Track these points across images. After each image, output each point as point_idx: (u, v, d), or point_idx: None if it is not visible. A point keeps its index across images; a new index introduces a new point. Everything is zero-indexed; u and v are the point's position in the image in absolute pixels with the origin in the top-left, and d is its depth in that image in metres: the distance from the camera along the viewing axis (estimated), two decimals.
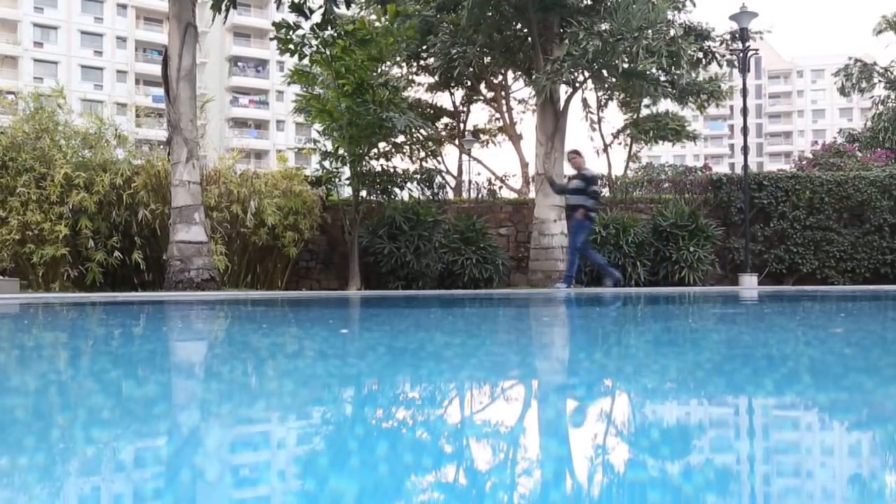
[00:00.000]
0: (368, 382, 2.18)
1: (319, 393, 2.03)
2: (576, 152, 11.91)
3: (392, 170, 15.13)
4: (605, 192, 17.35)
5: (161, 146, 14.38)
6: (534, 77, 14.80)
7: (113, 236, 11.89)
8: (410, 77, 22.35)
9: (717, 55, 17.52)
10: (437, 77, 21.61)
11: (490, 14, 15.04)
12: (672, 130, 23.39)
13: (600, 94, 23.61)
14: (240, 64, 69.77)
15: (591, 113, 25.15)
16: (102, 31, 62.30)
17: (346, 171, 14.63)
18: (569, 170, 14.67)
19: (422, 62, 21.23)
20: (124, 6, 63.61)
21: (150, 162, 12.76)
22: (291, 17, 12.77)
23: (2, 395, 1.98)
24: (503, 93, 24.88)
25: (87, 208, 11.50)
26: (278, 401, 1.88)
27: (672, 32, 14.15)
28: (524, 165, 26.20)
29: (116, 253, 11.77)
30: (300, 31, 12.96)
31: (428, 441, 1.45)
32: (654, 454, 1.35)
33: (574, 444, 1.44)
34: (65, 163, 11.66)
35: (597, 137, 25.64)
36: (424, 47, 17.88)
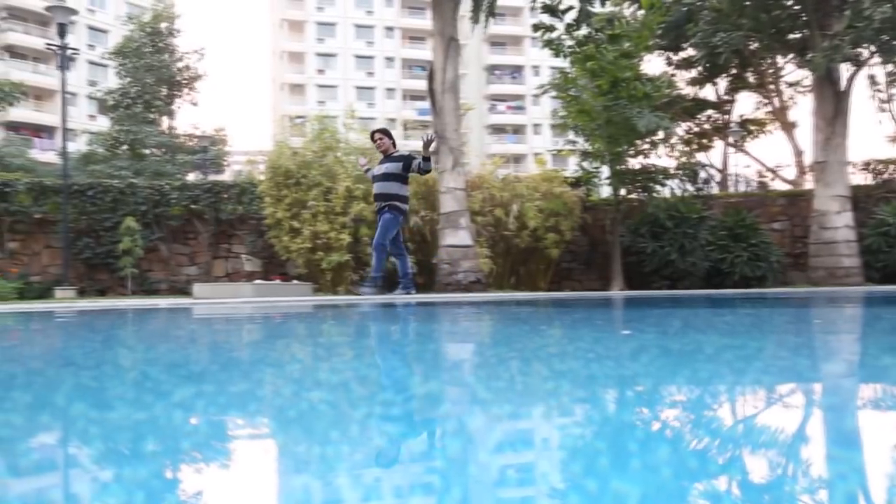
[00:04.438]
0: (676, 386, 2.13)
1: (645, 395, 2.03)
2: (381, 132, 9.55)
3: (653, 167, 14.72)
4: None
5: None
6: (808, 57, 13.61)
7: None
8: (672, 73, 21.57)
9: None
10: (698, 68, 20.66)
11: None
12: None
13: (891, 69, 21.11)
14: (496, 72, 71.93)
15: (880, 91, 22.58)
16: (373, 54, 67.57)
17: (605, 171, 14.48)
18: (850, 156, 13.28)
19: (681, 54, 20.42)
20: (391, 28, 68.42)
21: None
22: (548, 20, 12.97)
23: (317, 388, 2.21)
24: (772, 78, 23.15)
25: (366, 217, 12.47)
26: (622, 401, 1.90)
27: None
28: (798, 154, 24.23)
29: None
30: (556, 32, 13.11)
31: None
32: None
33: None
34: (346, 176, 12.77)
35: (887, 119, 22.99)
36: (683, 38, 17.16)
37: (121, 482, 1.15)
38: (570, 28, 13.00)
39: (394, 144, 9.25)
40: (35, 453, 1.40)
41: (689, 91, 22.96)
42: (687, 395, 1.98)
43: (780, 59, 21.58)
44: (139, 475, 1.18)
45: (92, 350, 3.54)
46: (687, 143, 22.60)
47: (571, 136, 15.22)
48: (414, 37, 69.12)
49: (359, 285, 10.88)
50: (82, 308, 8.60)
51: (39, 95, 50.61)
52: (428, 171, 9.12)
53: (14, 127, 47.08)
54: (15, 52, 50.08)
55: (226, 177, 32.26)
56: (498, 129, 71.07)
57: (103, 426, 1.60)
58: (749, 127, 25.63)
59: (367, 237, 12.49)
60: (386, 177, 9.00)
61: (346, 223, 12.53)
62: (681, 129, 20.99)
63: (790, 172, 24.77)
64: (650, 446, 1.37)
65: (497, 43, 71.14)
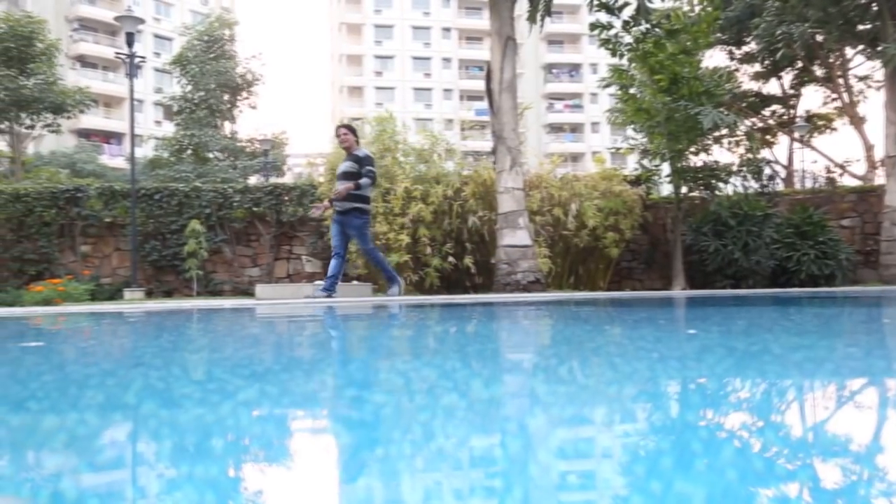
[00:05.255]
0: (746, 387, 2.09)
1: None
2: (347, 128, 9.21)
3: (714, 164, 14.43)
4: None
5: (485, 156, 15.24)
6: (880, 48, 13.15)
7: (446, 243, 12.81)
8: (734, 68, 21.09)
9: None
10: (760, 62, 20.18)
11: None
12: None
13: None
14: (554, 70, 71.49)
15: None
16: (430, 55, 67.89)
17: (666, 168, 14.24)
18: None
19: (744, 49, 19.98)
20: (448, 29, 68.62)
21: (478, 172, 13.54)
22: (606, 17, 12.83)
23: (374, 389, 2.23)
24: (840, 71, 22.45)
25: (424, 218, 12.51)
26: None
27: None
28: (869, 149, 23.45)
29: (450, 258, 12.67)
30: (613, 30, 12.96)
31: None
32: None
33: None
34: (404, 178, 12.84)
35: None
36: (745, 32, 16.78)
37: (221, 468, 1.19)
38: (626, 25, 12.83)
39: (357, 142, 9.19)
40: (136, 444, 1.46)
41: (752, 86, 22.45)
42: (765, 397, 1.94)
43: (848, 52, 20.92)
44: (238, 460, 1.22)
45: (168, 348, 3.64)
46: (750, 138, 22.09)
47: (630, 133, 15.02)
48: (471, 37, 69.18)
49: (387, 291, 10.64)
50: (151, 309, 8.86)
51: (108, 103, 52.34)
52: (359, 188, 8.83)
53: (85, 134, 48.81)
54: (86, 62, 51.93)
55: (286, 179, 32.82)
56: (556, 128, 70.64)
57: (196, 419, 1.65)
58: (816, 122, 24.92)
59: (425, 237, 12.54)
60: (345, 176, 8.86)
61: (405, 224, 12.59)
62: (744, 125, 20.53)
63: (860, 168, 24.03)
64: (742, 449, 1.35)
65: (554, 41, 70.70)
